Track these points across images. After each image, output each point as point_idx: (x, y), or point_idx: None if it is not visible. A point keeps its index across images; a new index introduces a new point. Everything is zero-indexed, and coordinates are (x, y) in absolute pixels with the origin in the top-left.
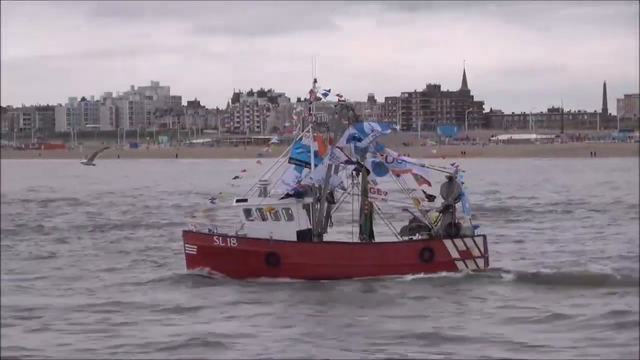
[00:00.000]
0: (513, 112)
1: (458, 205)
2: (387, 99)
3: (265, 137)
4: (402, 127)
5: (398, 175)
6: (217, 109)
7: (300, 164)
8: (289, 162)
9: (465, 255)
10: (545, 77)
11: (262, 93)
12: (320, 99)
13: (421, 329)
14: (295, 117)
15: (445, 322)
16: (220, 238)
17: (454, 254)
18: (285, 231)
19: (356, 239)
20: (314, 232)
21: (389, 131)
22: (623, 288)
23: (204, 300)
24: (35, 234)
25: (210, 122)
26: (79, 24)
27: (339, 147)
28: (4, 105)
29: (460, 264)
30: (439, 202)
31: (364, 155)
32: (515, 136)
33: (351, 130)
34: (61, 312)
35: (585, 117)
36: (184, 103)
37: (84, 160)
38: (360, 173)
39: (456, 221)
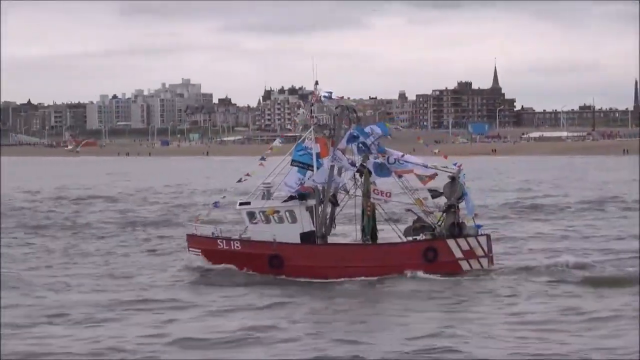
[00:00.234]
0: (544, 110)
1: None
2: (418, 96)
3: (296, 134)
4: (434, 124)
5: (400, 176)
6: (248, 106)
7: (303, 166)
8: (292, 164)
9: (469, 255)
10: (577, 75)
11: (293, 90)
12: (322, 101)
13: None
14: (297, 120)
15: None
16: (224, 241)
17: (458, 254)
18: (289, 233)
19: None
20: (318, 234)
21: (387, 133)
22: None
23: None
24: (67, 231)
25: (241, 119)
26: (111, 22)
27: (339, 149)
28: (35, 102)
29: (464, 264)
30: (442, 201)
31: (367, 157)
32: (547, 134)
33: (351, 131)
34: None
35: (617, 115)
36: (215, 101)
37: (69, 148)
38: (363, 174)
39: (459, 221)
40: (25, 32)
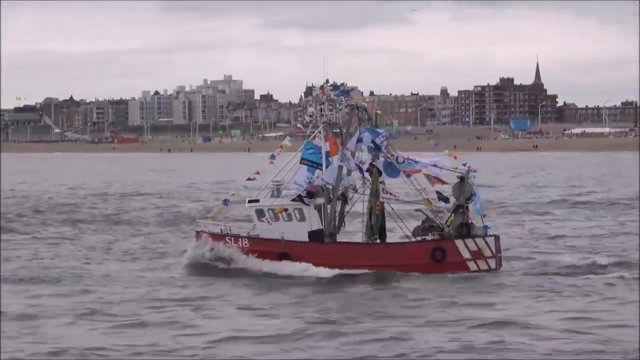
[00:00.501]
0: (586, 106)
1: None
2: (460, 92)
3: (336, 130)
4: (475, 120)
5: (409, 176)
6: (290, 102)
7: (312, 164)
8: (301, 162)
9: (477, 255)
10: (619, 71)
11: (334, 87)
12: (332, 99)
13: None
14: (307, 118)
15: None
16: (232, 238)
17: (466, 254)
18: (297, 231)
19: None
20: (326, 232)
21: (395, 134)
22: None
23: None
24: (110, 227)
25: (282, 115)
26: (153, 18)
27: (349, 149)
28: (77, 99)
29: (471, 264)
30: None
31: (377, 156)
32: (589, 130)
33: (361, 131)
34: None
35: None
36: (257, 97)
37: (58, 131)
38: (372, 174)
39: (468, 221)
40: (67, 28)
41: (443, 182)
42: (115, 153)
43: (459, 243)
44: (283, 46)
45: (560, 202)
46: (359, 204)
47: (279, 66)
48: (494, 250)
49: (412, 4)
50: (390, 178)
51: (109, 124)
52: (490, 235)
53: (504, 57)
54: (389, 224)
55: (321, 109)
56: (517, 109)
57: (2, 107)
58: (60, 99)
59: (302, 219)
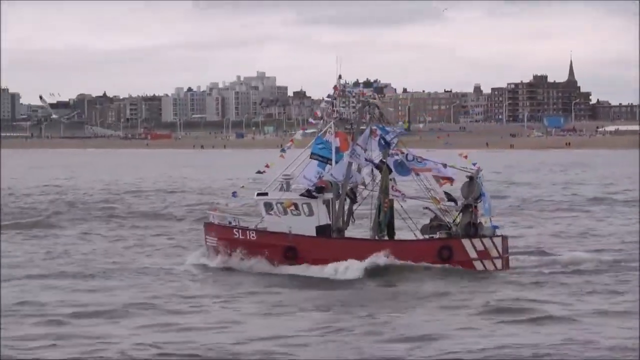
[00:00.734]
0: (620, 103)
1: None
2: (493, 89)
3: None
4: (509, 118)
5: (418, 174)
6: (323, 99)
7: (322, 159)
8: (310, 157)
9: (484, 255)
10: None
11: (368, 84)
12: (345, 94)
13: None
14: (319, 113)
15: None
16: (240, 231)
17: (472, 254)
18: (305, 226)
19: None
20: (333, 228)
21: (405, 132)
22: None
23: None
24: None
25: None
26: (187, 14)
27: (359, 145)
28: (110, 95)
29: (477, 264)
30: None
31: (387, 153)
32: (622, 127)
33: (372, 128)
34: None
35: None
36: (290, 93)
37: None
38: (382, 170)
39: (476, 221)
40: (101, 25)
41: (452, 182)
42: (149, 149)
43: (466, 242)
44: (316, 43)
45: (596, 200)
46: (367, 201)
47: (312, 63)
48: (500, 250)
49: (445, 3)
50: (401, 176)
51: (142, 120)
52: (497, 236)
53: (537, 54)
54: (398, 222)
55: (333, 104)
56: (551, 106)
57: (35, 103)
58: (94, 95)
59: (311, 213)
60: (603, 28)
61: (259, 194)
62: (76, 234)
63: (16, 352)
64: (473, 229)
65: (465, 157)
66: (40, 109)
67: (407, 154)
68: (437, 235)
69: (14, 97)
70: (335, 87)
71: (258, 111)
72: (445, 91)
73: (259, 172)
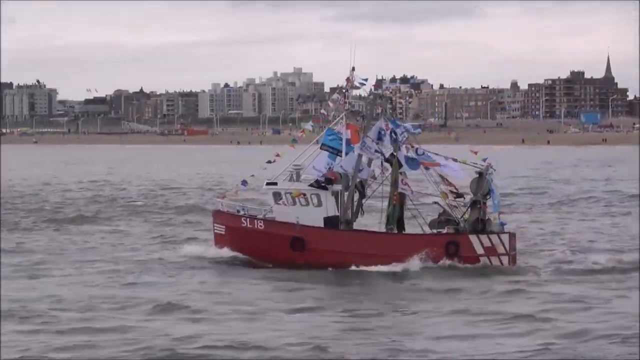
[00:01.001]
0: None
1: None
2: (530, 85)
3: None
4: (545, 114)
5: (427, 168)
6: (359, 95)
7: (333, 151)
8: (321, 148)
9: (490, 251)
10: None
11: (404, 79)
12: (357, 87)
13: None
14: (331, 104)
15: None
16: (248, 219)
17: (479, 250)
18: (313, 217)
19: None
20: (341, 220)
21: (418, 131)
22: None
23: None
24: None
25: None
26: (224, 10)
27: (369, 137)
28: (147, 91)
29: (484, 260)
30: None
31: (398, 147)
32: None
33: (383, 122)
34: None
35: None
36: (327, 89)
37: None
38: (392, 164)
39: (484, 217)
40: (138, 21)
41: (455, 188)
42: (186, 145)
43: (473, 238)
44: (353, 38)
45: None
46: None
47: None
48: (507, 247)
49: (476, 2)
50: (411, 170)
51: (179, 116)
52: (505, 232)
53: (574, 50)
54: (408, 215)
55: (345, 96)
56: (588, 102)
57: (73, 99)
58: (131, 91)
59: (319, 204)
60: None
61: (268, 184)
62: (123, 228)
63: None
64: (481, 225)
65: (475, 153)
66: (77, 105)
67: (417, 148)
68: (444, 230)
69: (51, 93)
70: (347, 79)
71: (295, 107)
72: (482, 87)
73: (268, 161)
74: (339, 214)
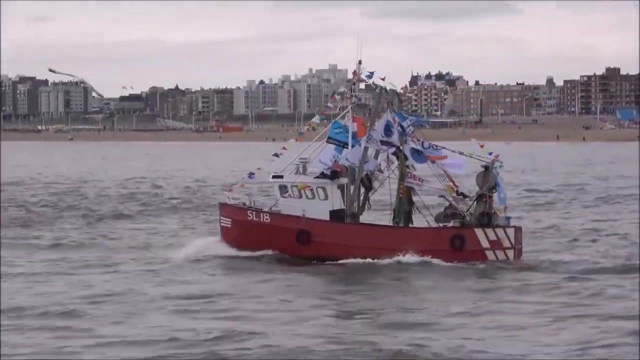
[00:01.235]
0: None
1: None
2: (566, 82)
3: (442, 120)
4: (581, 110)
5: (433, 162)
6: (372, 85)
7: (339, 144)
8: (327, 141)
9: (496, 245)
10: None
11: (440, 76)
12: (364, 80)
13: None
14: (337, 98)
15: None
16: (254, 212)
17: (485, 244)
18: (319, 210)
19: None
20: (347, 213)
21: (425, 121)
22: None
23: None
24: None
25: None
26: (259, 7)
27: (375, 130)
28: (182, 88)
29: (490, 254)
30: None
31: (405, 140)
32: None
33: (389, 116)
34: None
35: None
36: (362, 86)
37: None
38: (398, 157)
39: (490, 211)
40: (174, 17)
41: (455, 185)
42: (222, 142)
43: (478, 232)
44: (389, 35)
45: None
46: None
47: (384, 55)
48: (513, 241)
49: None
50: (417, 163)
51: (214, 113)
52: (511, 226)
53: (610, 46)
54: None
55: (351, 89)
56: (623, 98)
57: (108, 96)
58: (166, 88)
59: (325, 197)
60: None
61: (274, 177)
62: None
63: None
64: (487, 219)
65: (482, 146)
66: (113, 102)
67: (422, 141)
68: (450, 224)
69: (87, 90)
70: (354, 73)
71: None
72: (517, 83)
73: (275, 154)
74: (345, 207)
